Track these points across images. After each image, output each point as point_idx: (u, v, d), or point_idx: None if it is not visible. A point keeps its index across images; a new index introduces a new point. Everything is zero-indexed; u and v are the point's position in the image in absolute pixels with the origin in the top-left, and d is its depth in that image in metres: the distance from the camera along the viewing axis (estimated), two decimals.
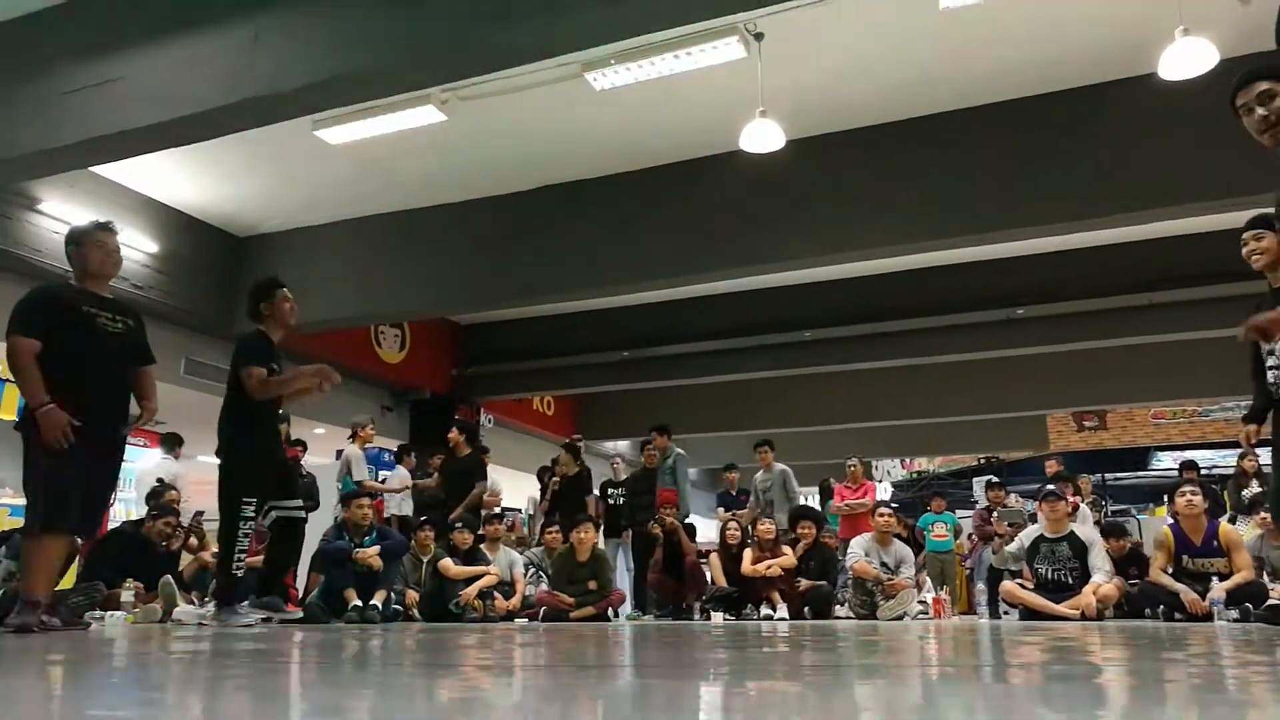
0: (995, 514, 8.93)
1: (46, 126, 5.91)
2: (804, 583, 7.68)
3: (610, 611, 7.63)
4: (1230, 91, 3.13)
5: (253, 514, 5.15)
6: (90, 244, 4.48)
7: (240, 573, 5.14)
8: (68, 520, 4.23)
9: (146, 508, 7.67)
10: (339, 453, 10.32)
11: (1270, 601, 5.60)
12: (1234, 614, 5.84)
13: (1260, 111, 3.05)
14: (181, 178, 8.50)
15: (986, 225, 7.43)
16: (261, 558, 5.84)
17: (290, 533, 5.50)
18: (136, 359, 4.57)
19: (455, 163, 8.34)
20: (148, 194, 8.74)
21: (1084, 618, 6.16)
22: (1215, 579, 6.14)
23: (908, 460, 24.16)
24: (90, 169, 7.86)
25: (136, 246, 8.43)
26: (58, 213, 7.88)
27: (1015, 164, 7.24)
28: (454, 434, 8.94)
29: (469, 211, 9.00)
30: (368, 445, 9.41)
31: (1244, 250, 3.81)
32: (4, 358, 4.21)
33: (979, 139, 7.37)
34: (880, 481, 21.12)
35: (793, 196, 7.83)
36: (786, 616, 7.33)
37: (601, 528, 9.43)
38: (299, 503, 5.57)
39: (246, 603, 5.25)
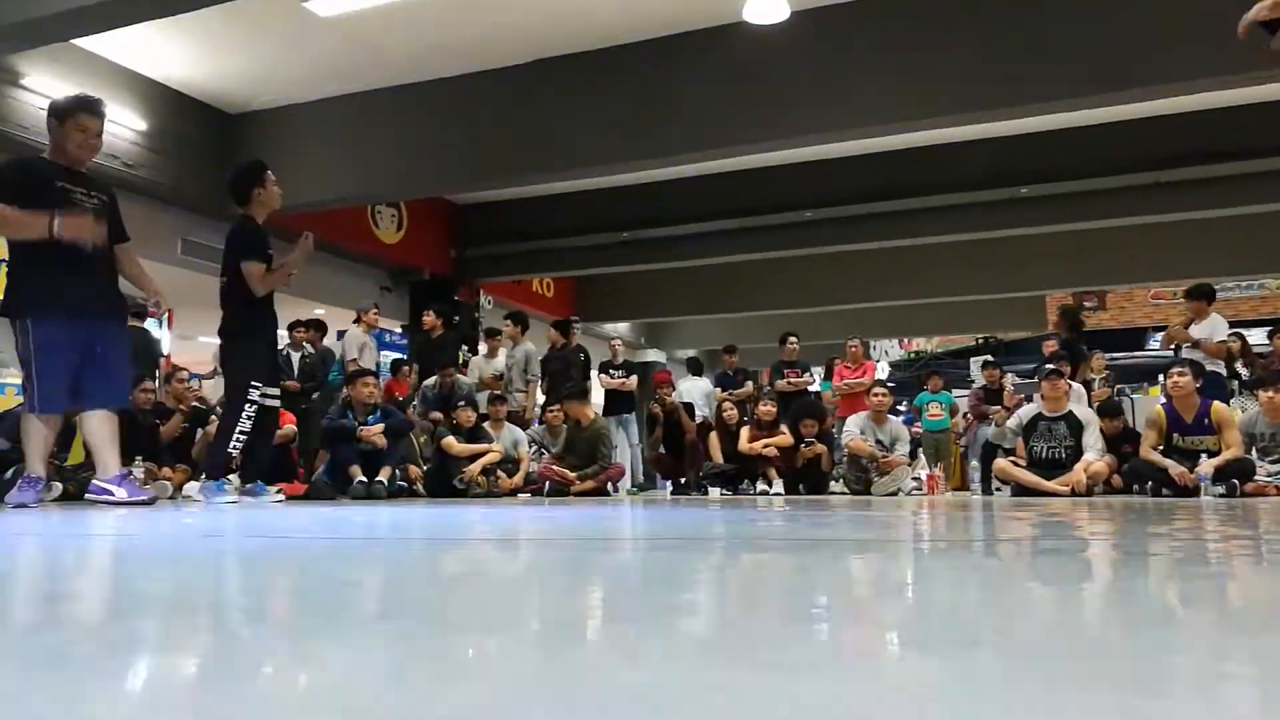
0: (1010, 384, 9.02)
1: None
2: (804, 451, 7.75)
3: (610, 486, 7.80)
4: None
5: (259, 398, 5.20)
6: (71, 124, 4.36)
7: (236, 452, 5.20)
8: (56, 403, 4.31)
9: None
10: (340, 334, 10.36)
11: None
12: (1220, 489, 5.98)
13: None
14: (170, 52, 8.23)
15: (992, 102, 7.25)
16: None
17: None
18: (112, 236, 4.54)
19: (450, 35, 8.07)
20: (135, 69, 8.48)
21: (1074, 494, 6.30)
22: (1205, 456, 6.26)
23: (906, 340, 24.22)
24: (74, 41, 7.61)
25: (125, 124, 8.24)
26: (42, 88, 7.66)
27: (1021, 39, 7.00)
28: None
29: (465, 86, 8.76)
30: (373, 329, 9.45)
31: None
32: None
33: (983, 13, 7.11)
34: (878, 361, 21.27)
35: (795, 71, 7.60)
36: (782, 492, 7.51)
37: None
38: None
39: (234, 480, 5.31)
